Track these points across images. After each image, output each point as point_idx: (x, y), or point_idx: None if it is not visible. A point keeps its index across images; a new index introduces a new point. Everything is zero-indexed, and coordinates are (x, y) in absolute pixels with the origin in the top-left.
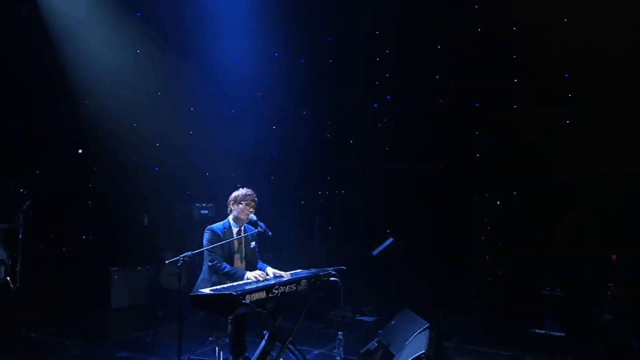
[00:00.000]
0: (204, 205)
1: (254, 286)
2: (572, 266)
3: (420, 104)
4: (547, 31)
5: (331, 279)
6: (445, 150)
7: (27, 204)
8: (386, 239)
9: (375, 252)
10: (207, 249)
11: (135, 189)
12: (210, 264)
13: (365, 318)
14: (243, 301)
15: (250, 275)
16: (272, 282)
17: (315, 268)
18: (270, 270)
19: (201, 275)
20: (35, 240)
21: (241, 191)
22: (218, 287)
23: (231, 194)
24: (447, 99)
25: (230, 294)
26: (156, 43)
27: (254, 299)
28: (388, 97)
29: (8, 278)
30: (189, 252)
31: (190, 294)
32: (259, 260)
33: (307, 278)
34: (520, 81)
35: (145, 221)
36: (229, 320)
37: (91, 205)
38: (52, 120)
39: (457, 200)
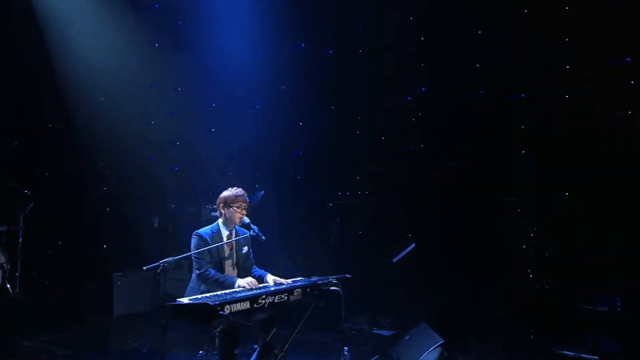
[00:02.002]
0: (214, 207)
1: (237, 296)
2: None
3: (458, 95)
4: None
5: (331, 288)
6: (481, 146)
7: (30, 205)
8: (408, 244)
9: (396, 259)
10: (194, 256)
11: (146, 189)
12: (197, 272)
13: (382, 331)
14: (221, 312)
15: (242, 282)
16: (259, 291)
17: (332, 275)
18: (270, 278)
19: (190, 283)
20: (37, 243)
21: (231, 192)
22: (199, 296)
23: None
24: (488, 89)
25: (206, 304)
26: (167, 38)
27: (236, 309)
28: (423, 89)
29: (8, 285)
30: (170, 258)
31: (166, 303)
32: (254, 266)
33: (302, 287)
34: (570, 69)
35: (156, 224)
36: (216, 333)
37: (96, 207)
38: (56, 119)
39: (491, 202)
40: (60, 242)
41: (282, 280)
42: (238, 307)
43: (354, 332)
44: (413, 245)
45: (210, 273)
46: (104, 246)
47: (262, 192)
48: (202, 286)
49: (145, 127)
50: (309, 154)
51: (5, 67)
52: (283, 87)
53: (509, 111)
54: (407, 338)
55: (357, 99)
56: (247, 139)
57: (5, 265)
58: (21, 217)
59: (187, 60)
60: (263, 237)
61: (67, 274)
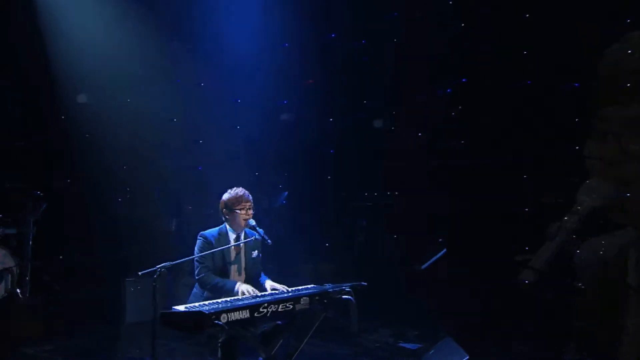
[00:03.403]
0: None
1: (236, 304)
2: None
3: (504, 86)
4: None
5: (343, 296)
6: (527, 142)
7: (43, 207)
8: (438, 249)
9: (424, 266)
10: (195, 259)
11: (163, 190)
12: (196, 276)
13: (408, 345)
14: (216, 322)
15: (242, 288)
16: (261, 299)
17: (351, 282)
18: (269, 284)
19: (193, 289)
20: (47, 247)
21: (231, 194)
22: (196, 304)
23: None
24: (537, 79)
25: (200, 312)
26: (184, 30)
27: (234, 318)
28: (464, 79)
29: (18, 290)
30: (167, 263)
31: (161, 311)
32: (262, 273)
33: (310, 295)
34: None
35: (173, 226)
36: (219, 344)
37: (110, 210)
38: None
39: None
40: (73, 247)
41: (279, 287)
42: (236, 316)
43: (377, 344)
44: (444, 251)
45: (208, 278)
46: (121, 249)
47: (286, 193)
48: (206, 292)
49: (161, 126)
50: (339, 152)
51: (12, 67)
52: (311, 81)
53: (561, 103)
54: (431, 353)
55: (393, 92)
56: (271, 136)
57: (14, 269)
58: (31, 220)
59: (206, 53)
60: (269, 241)
61: (78, 278)
